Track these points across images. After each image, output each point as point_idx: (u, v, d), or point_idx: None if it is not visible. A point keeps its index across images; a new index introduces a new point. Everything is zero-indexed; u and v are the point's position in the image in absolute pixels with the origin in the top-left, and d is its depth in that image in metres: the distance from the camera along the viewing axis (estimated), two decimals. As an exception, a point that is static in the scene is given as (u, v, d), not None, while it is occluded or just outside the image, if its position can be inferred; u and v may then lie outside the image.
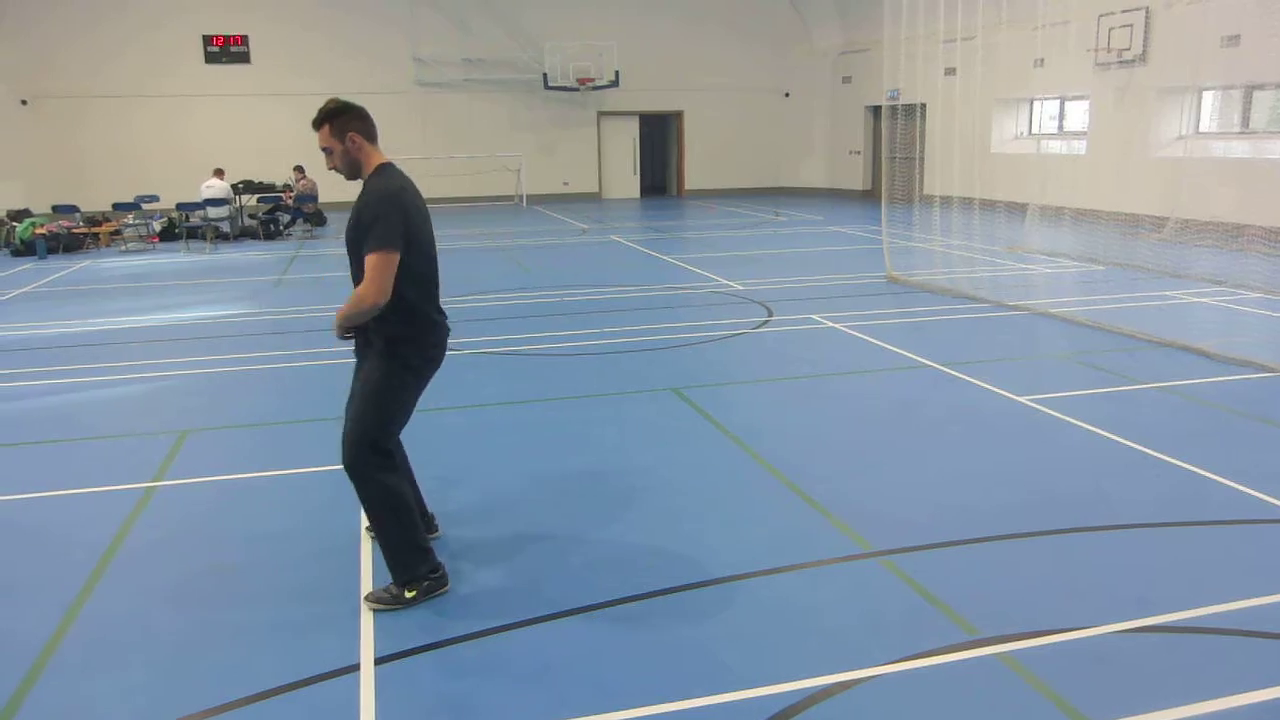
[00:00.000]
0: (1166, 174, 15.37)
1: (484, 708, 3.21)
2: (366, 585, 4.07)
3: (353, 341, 3.98)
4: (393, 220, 3.67)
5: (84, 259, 15.82)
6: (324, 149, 3.81)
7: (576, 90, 24.51)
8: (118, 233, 17.47)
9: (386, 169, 3.84)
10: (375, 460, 3.85)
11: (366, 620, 3.78)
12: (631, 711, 3.15)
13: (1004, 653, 3.44)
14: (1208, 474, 5.13)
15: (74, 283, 13.23)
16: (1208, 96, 16.28)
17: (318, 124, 3.79)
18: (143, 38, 22.15)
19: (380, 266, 3.63)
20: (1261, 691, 3.16)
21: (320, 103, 3.86)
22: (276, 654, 3.57)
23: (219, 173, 18.06)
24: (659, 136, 27.38)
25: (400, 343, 3.85)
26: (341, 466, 3.88)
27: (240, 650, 3.61)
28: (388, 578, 3.96)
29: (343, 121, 3.77)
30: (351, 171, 3.83)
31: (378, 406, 3.85)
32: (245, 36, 22.78)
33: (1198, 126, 16.40)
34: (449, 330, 4.08)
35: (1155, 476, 5.17)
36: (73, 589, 4.10)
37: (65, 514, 5.00)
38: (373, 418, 3.84)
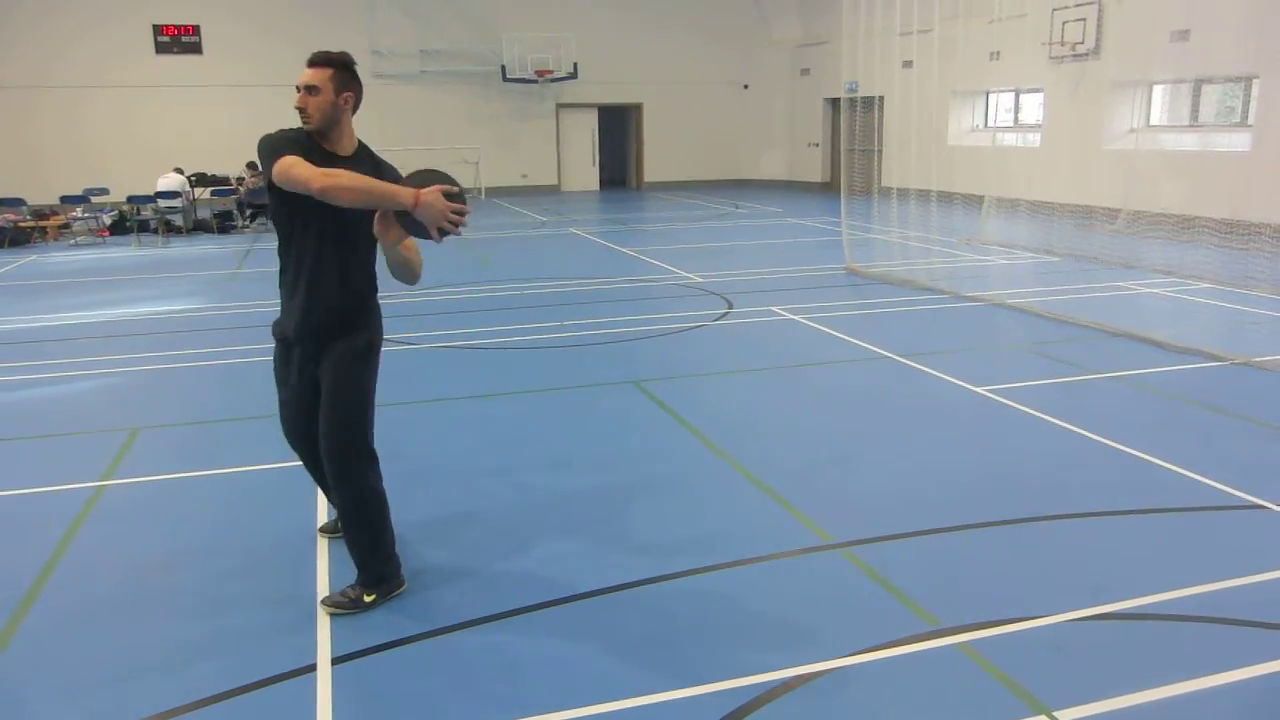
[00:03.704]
0: (1119, 166, 15.59)
1: (445, 706, 3.17)
2: (322, 583, 4.00)
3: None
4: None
5: (31, 253, 15.45)
6: (309, 86, 3.49)
7: (535, 82, 24.36)
8: (66, 226, 17.08)
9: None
10: (366, 466, 3.76)
11: (323, 619, 3.72)
12: (594, 708, 3.13)
13: (963, 642, 3.46)
14: (1160, 462, 5.20)
15: (20, 277, 12.92)
16: (1158, 90, 16.54)
17: (322, 62, 3.51)
18: (92, 28, 21.64)
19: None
20: (1216, 676, 3.21)
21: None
22: (231, 655, 3.49)
23: (178, 171, 17.80)
24: (618, 129, 27.28)
25: (377, 335, 3.82)
26: (325, 467, 3.77)
27: (194, 652, 3.53)
28: (344, 576, 3.90)
29: (349, 78, 3.59)
30: (321, 122, 3.54)
31: (363, 408, 3.75)
32: (196, 26, 22.36)
33: (1148, 119, 16.66)
34: None
35: (1110, 465, 5.23)
36: (19, 590, 3.99)
37: (12, 515, 4.87)
38: (360, 422, 3.73)
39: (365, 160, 3.66)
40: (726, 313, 9.50)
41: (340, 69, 3.55)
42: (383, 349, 3.94)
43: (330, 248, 3.64)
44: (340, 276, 3.69)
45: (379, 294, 3.88)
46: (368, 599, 3.79)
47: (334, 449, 3.70)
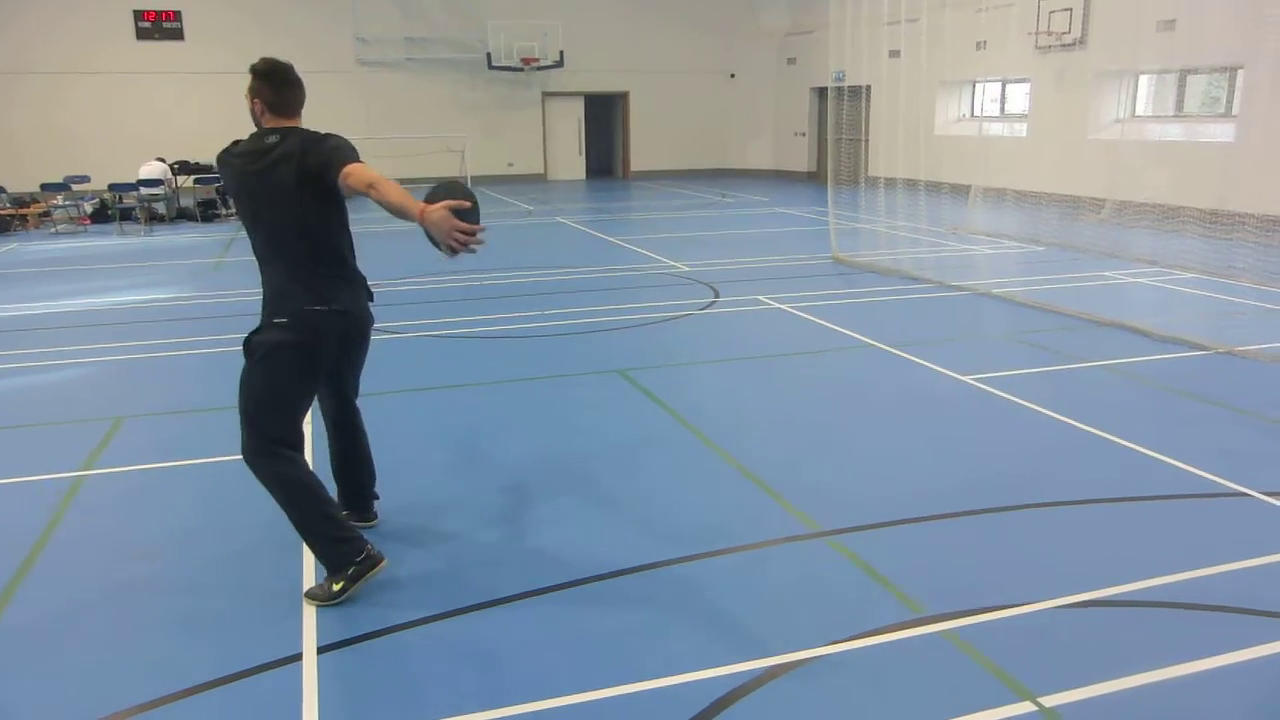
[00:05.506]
0: (1105, 156, 15.64)
1: (430, 695, 3.16)
2: (308, 572, 3.98)
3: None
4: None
5: (10, 241, 15.31)
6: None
7: (521, 70, 24.24)
8: (47, 214, 16.93)
9: (257, 132, 3.79)
10: (265, 460, 3.71)
11: (308, 609, 3.70)
12: (577, 697, 3.12)
13: (949, 629, 3.47)
14: (1146, 450, 5.22)
15: (0, 266, 12.80)
16: (1144, 80, 16.58)
17: (250, 72, 3.83)
18: (72, 13, 21.39)
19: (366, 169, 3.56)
20: (1201, 661, 3.23)
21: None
22: (215, 646, 3.47)
23: (160, 160, 17.67)
24: (604, 118, 27.19)
25: (270, 328, 3.70)
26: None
27: (177, 643, 3.51)
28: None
29: (255, 85, 3.79)
30: (254, 123, 3.86)
31: (256, 400, 3.71)
32: (178, 12, 22.14)
33: (1134, 109, 16.71)
34: (344, 311, 3.79)
35: (1095, 453, 5.25)
36: (0, 581, 3.97)
37: (-9, 505, 4.83)
38: (252, 414, 3.72)
39: None
40: (713, 302, 9.49)
41: (254, 77, 3.80)
42: (301, 352, 3.70)
43: (258, 241, 3.83)
44: (263, 270, 3.85)
45: (320, 297, 3.71)
46: (336, 587, 3.73)
47: (242, 440, 3.76)
